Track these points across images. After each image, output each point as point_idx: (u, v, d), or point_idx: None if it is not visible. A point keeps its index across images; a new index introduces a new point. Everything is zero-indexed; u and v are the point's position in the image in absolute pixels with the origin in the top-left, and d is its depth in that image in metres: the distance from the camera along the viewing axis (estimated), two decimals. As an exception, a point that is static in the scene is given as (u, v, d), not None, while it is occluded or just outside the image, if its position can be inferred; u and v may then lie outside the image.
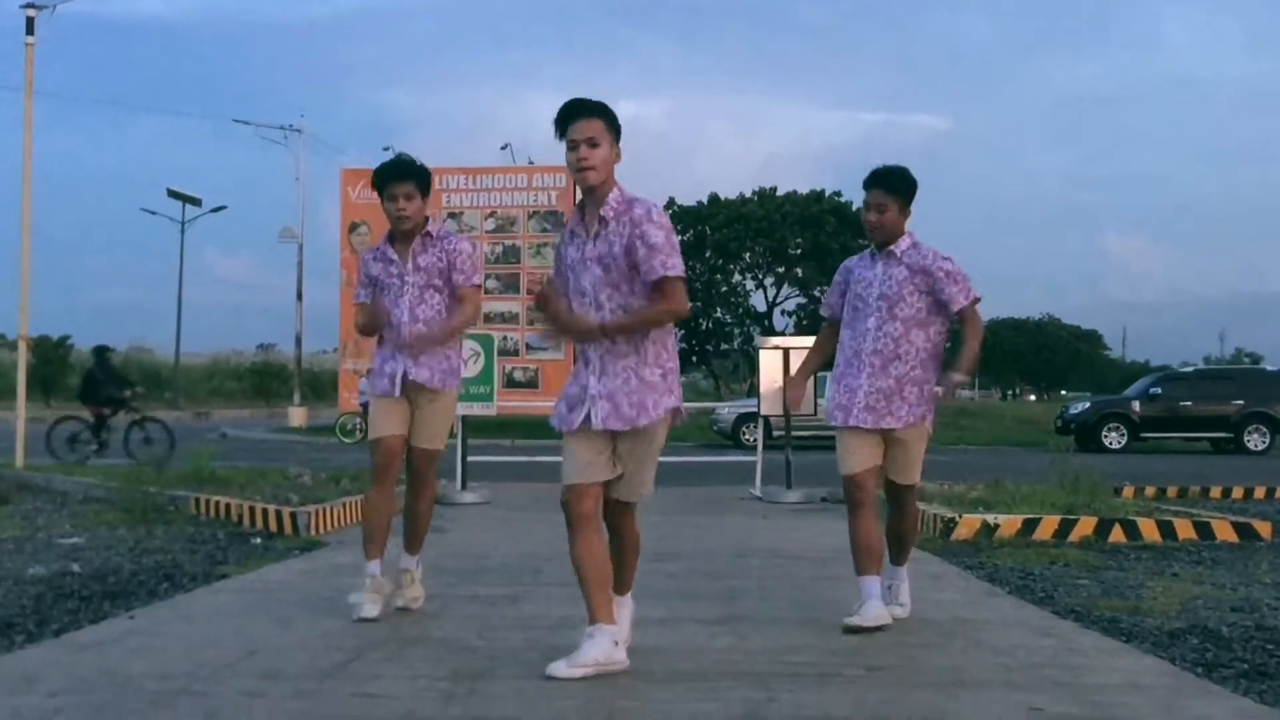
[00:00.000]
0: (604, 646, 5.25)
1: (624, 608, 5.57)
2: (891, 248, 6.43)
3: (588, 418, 5.29)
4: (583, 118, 5.23)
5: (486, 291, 27.58)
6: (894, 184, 6.45)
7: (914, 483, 6.61)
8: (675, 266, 5.22)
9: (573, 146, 5.23)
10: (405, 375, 6.57)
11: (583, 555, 5.30)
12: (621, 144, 5.36)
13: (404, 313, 6.55)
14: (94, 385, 21.40)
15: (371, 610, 6.46)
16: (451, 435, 13.71)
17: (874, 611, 6.28)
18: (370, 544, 6.61)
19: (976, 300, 6.47)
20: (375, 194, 6.67)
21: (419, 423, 6.70)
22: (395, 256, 6.60)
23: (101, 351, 22.96)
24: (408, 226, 6.56)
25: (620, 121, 5.35)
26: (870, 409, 6.36)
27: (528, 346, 26.99)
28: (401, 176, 6.55)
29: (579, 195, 5.54)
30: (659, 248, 5.20)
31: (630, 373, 5.29)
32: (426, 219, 6.70)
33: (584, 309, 5.33)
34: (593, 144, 5.21)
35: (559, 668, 5.18)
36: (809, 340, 15.38)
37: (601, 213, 5.28)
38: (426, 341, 6.55)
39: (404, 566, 6.83)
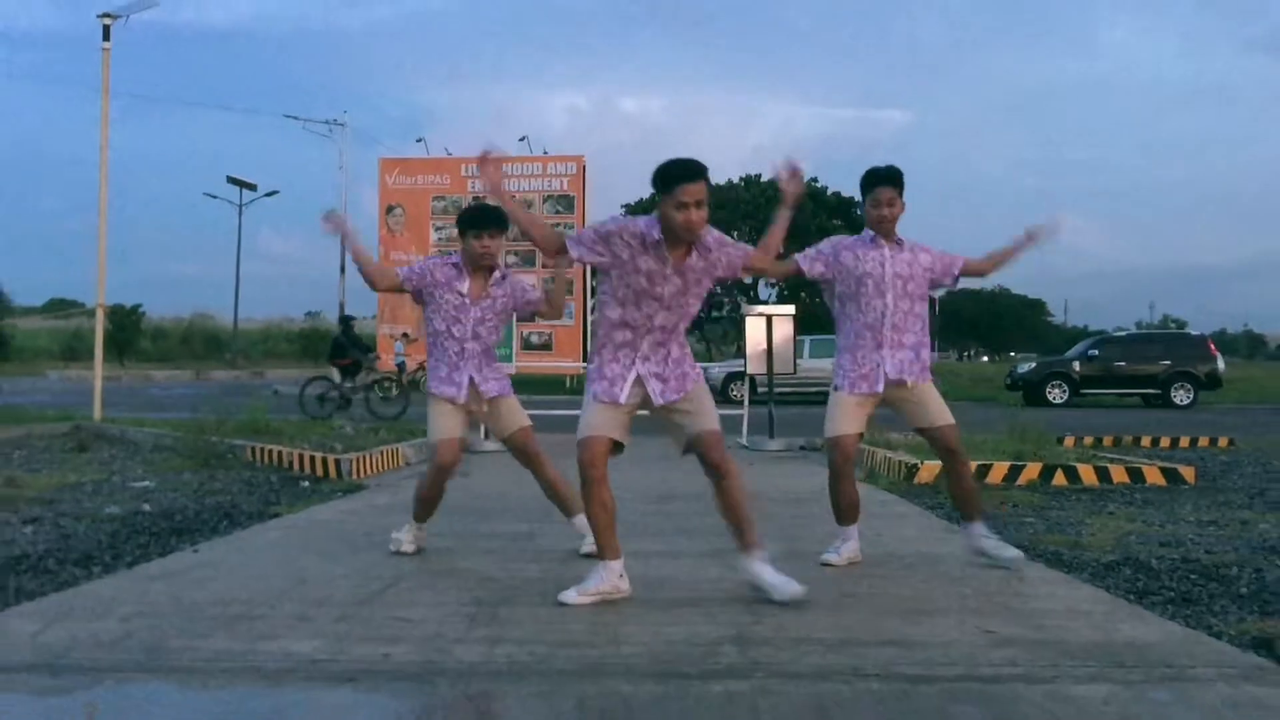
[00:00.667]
0: (609, 579, 5.29)
1: (758, 563, 5.44)
2: (897, 238, 6.44)
3: (641, 393, 5.41)
4: (695, 180, 5.07)
5: (507, 266, 27.61)
6: (898, 180, 6.45)
7: (952, 421, 6.45)
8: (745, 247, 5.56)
9: (682, 207, 5.05)
10: (474, 384, 6.54)
11: (596, 506, 5.32)
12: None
13: (468, 330, 6.52)
14: (339, 348, 21.91)
15: (409, 547, 6.54)
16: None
17: (849, 551, 6.37)
18: (421, 509, 6.63)
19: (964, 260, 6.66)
20: (457, 232, 6.62)
21: (501, 419, 6.68)
22: (468, 285, 6.53)
23: (346, 320, 23.46)
24: (488, 263, 6.55)
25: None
26: (896, 366, 6.34)
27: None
28: (488, 224, 6.50)
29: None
30: (733, 246, 5.45)
31: (666, 354, 5.44)
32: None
33: (651, 308, 5.29)
34: (700, 205, 5.07)
35: (569, 595, 5.23)
36: (789, 308, 15.48)
37: (697, 249, 5.27)
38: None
39: (581, 532, 6.56)
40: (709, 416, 5.52)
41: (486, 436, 13.84)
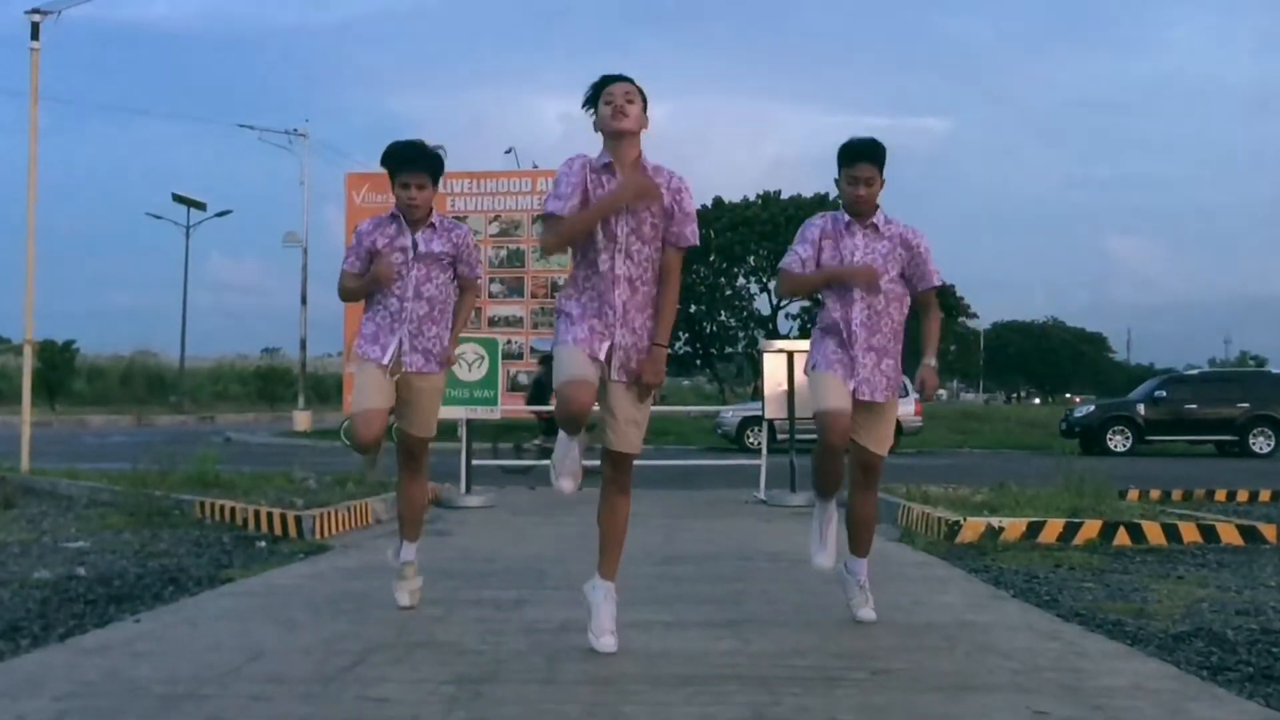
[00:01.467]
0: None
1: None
2: (873, 219, 6.49)
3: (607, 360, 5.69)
4: (620, 81, 5.70)
5: (490, 296, 27.62)
6: (879, 155, 6.50)
7: (884, 454, 6.61)
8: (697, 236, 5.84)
9: (610, 100, 5.65)
10: (400, 349, 6.66)
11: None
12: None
13: (409, 288, 6.63)
14: (542, 390, 21.90)
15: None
16: (455, 439, 13.70)
17: (832, 538, 6.79)
18: (366, 466, 6.81)
19: (942, 285, 6.61)
20: (385, 172, 6.68)
21: (412, 408, 6.80)
22: (408, 232, 6.63)
23: (548, 359, 23.48)
24: (418, 216, 6.63)
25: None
26: (865, 381, 6.41)
27: (532, 350, 26.99)
28: (415, 166, 6.59)
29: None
30: (693, 216, 5.80)
31: (645, 332, 5.73)
32: (431, 210, 6.75)
33: (610, 251, 5.66)
34: (629, 99, 5.65)
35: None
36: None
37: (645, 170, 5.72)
38: (452, 352, 6.85)
39: (406, 559, 6.96)
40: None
41: (468, 490, 13.85)
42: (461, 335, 7.19)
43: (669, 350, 5.89)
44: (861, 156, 6.47)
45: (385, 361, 6.63)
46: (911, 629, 6.48)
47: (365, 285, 6.70)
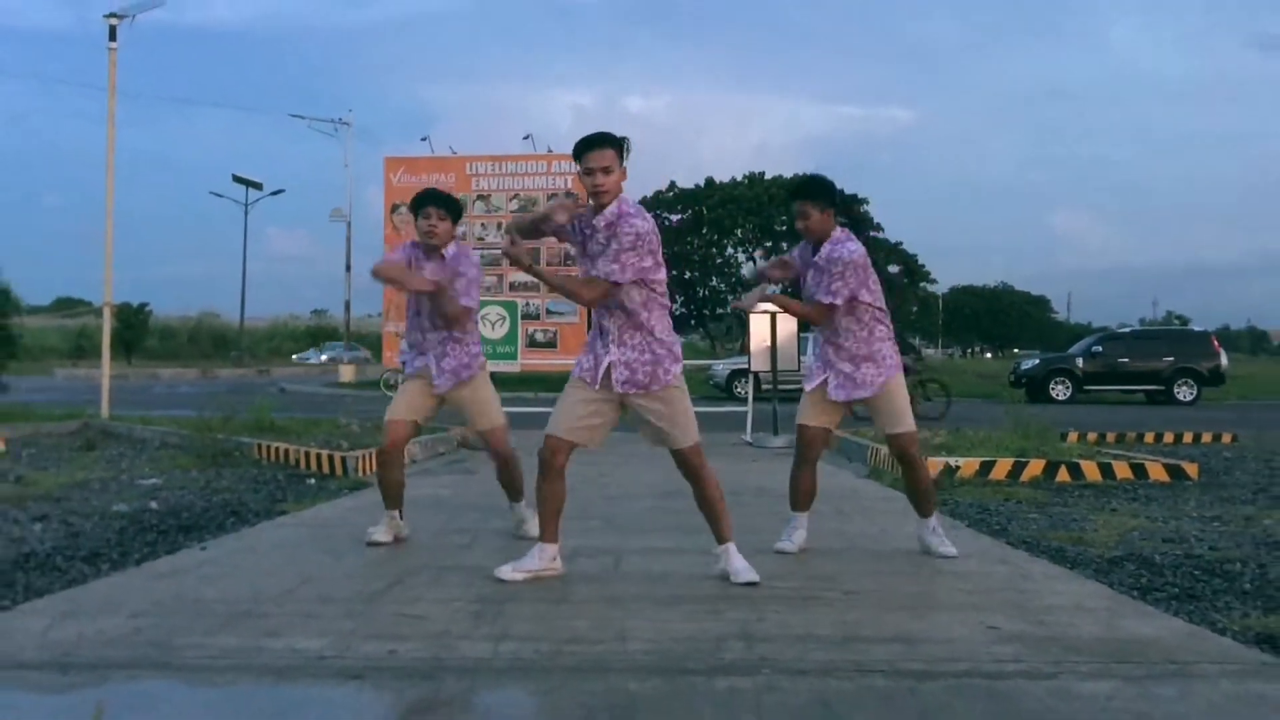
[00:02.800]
0: (544, 559, 5.72)
1: (730, 556, 5.70)
2: (822, 247, 6.36)
3: (607, 378, 5.57)
4: (598, 148, 5.45)
5: (511, 264, 27.51)
6: (812, 192, 6.36)
7: (906, 429, 6.42)
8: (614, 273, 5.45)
9: (589, 173, 5.45)
10: (432, 374, 6.69)
11: (548, 493, 5.72)
12: (631, 132, 5.68)
13: (425, 318, 6.71)
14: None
15: (383, 536, 6.68)
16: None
17: (799, 539, 6.58)
18: (388, 498, 6.78)
19: (828, 305, 6.27)
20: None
21: (465, 410, 6.83)
22: (428, 270, 6.62)
23: None
24: (435, 243, 6.63)
25: (626, 144, 5.59)
26: (840, 387, 6.41)
27: (548, 311, 26.94)
28: (436, 202, 6.65)
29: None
30: (621, 251, 5.43)
31: (645, 345, 5.57)
32: (450, 240, 6.73)
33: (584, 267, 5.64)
34: (607, 171, 5.44)
35: (505, 570, 5.65)
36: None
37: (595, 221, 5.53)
38: (428, 285, 6.56)
39: (516, 512, 7.09)
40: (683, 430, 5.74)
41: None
42: (485, 299, 7.13)
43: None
44: (794, 194, 6.42)
45: (436, 391, 6.71)
46: (879, 555, 6.48)
47: (386, 274, 6.75)
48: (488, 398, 6.87)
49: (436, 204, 6.62)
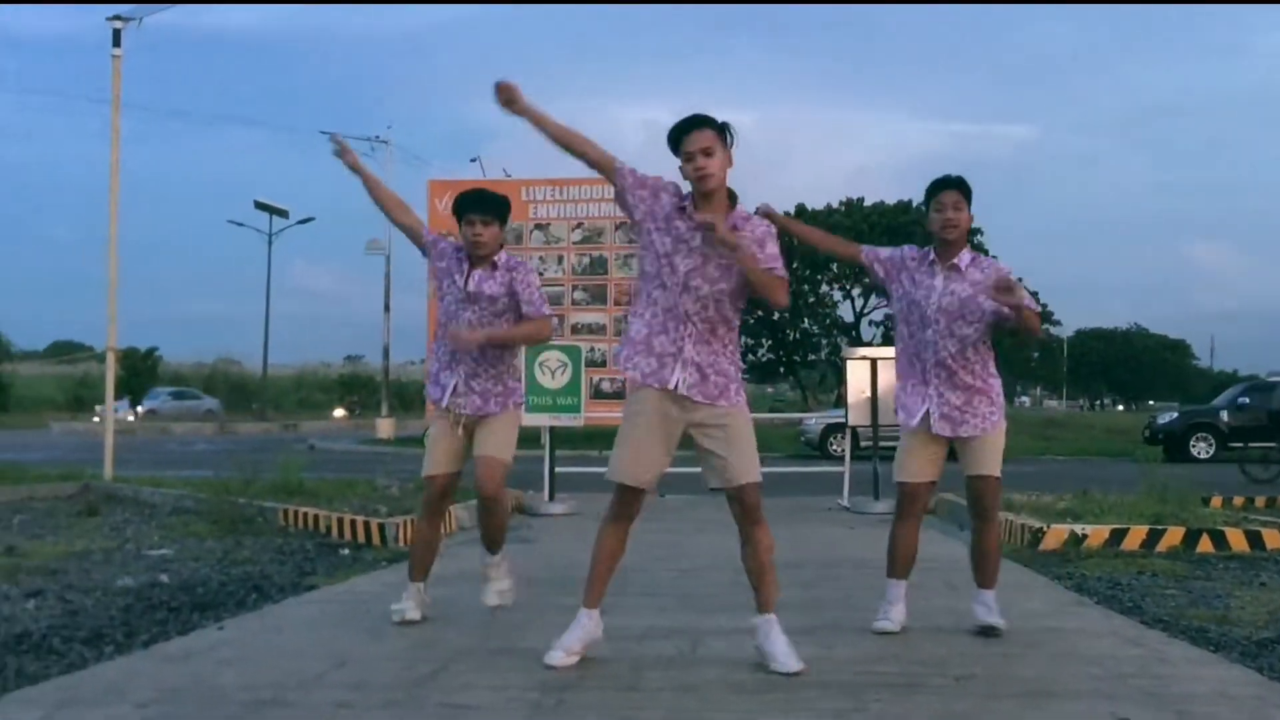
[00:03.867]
0: (590, 626, 5.75)
1: (771, 633, 5.65)
2: (955, 260, 6.45)
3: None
4: (696, 129, 5.52)
5: (573, 303, 27.62)
6: (965, 186, 6.52)
7: (993, 474, 6.48)
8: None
9: (689, 158, 5.51)
10: (455, 394, 6.68)
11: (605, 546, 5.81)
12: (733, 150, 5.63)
13: (462, 329, 6.63)
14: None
15: (413, 613, 6.70)
16: (539, 445, 13.72)
17: (899, 615, 6.54)
18: (415, 569, 6.85)
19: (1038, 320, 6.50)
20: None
21: (478, 435, 6.72)
22: (464, 270, 6.67)
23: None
24: (483, 253, 6.64)
25: (731, 130, 5.61)
26: (946, 418, 6.43)
27: (616, 357, 27.09)
28: (481, 207, 6.67)
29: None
30: (775, 257, 5.65)
31: (718, 356, 5.63)
32: (500, 247, 6.77)
33: (671, 283, 5.58)
34: (708, 153, 5.48)
35: (555, 657, 5.62)
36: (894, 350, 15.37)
37: (729, 218, 5.54)
38: (481, 338, 6.56)
39: (487, 562, 7.00)
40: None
41: (551, 498, 13.89)
42: (544, 345, 7.11)
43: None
44: (948, 185, 6.51)
45: (444, 404, 6.70)
46: (995, 636, 6.43)
47: (395, 218, 6.96)
48: (510, 432, 6.81)
49: (480, 209, 6.64)
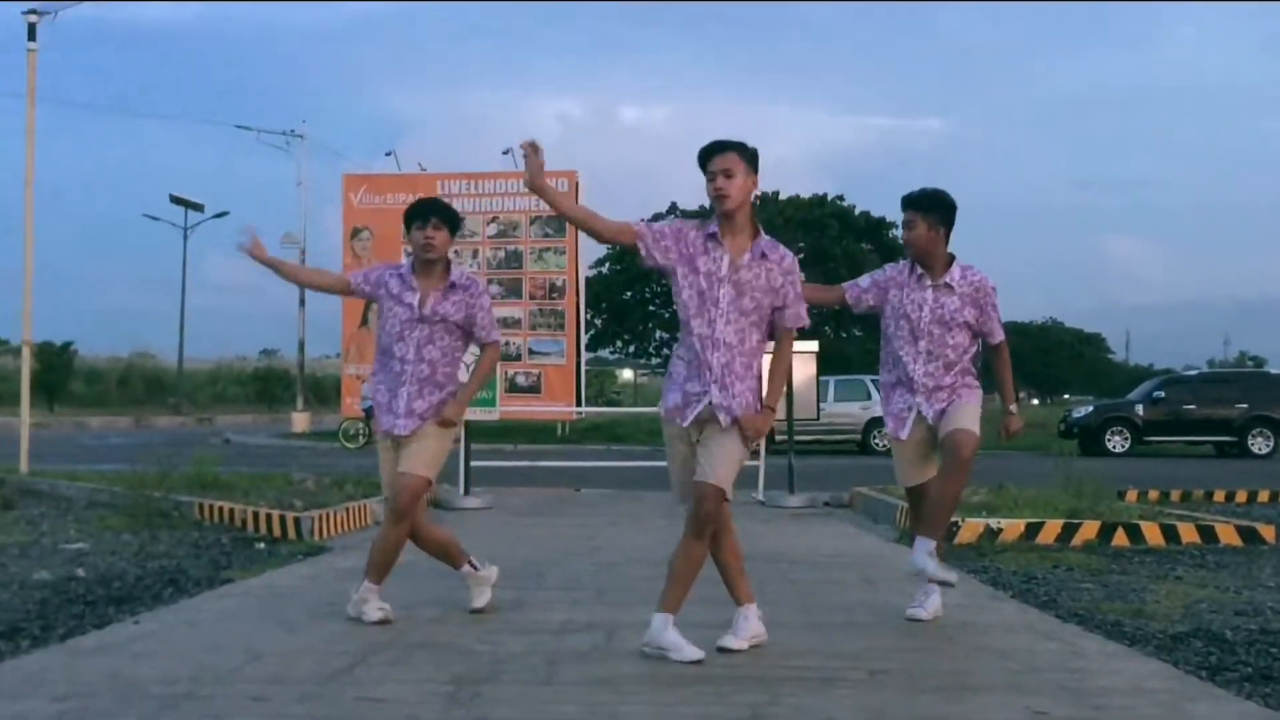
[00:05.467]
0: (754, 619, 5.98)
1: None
2: (945, 277, 6.65)
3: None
4: (719, 152, 5.72)
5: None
6: (921, 203, 6.69)
7: (971, 429, 6.64)
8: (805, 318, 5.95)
9: (711, 178, 5.71)
10: (399, 415, 6.63)
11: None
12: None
13: (410, 349, 6.60)
14: None
15: (374, 614, 6.53)
16: (454, 440, 13.69)
17: (934, 606, 6.71)
18: (378, 567, 6.70)
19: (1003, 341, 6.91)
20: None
21: (406, 449, 6.65)
22: (415, 289, 6.62)
23: None
24: (433, 256, 6.61)
25: (754, 154, 5.80)
26: (931, 404, 6.70)
27: (530, 351, 26.99)
28: (436, 210, 6.69)
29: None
30: (802, 298, 5.92)
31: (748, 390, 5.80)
32: (449, 261, 6.75)
33: (708, 315, 5.74)
34: (728, 175, 5.68)
35: (729, 640, 5.82)
36: (812, 345, 15.45)
37: (755, 246, 5.78)
38: (462, 413, 6.84)
39: (465, 573, 7.03)
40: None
41: (467, 492, 13.86)
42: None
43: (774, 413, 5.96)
44: (906, 205, 6.70)
45: (398, 431, 6.63)
46: (910, 629, 6.50)
47: (305, 281, 7.19)
48: (439, 448, 6.76)
49: (435, 213, 6.64)
